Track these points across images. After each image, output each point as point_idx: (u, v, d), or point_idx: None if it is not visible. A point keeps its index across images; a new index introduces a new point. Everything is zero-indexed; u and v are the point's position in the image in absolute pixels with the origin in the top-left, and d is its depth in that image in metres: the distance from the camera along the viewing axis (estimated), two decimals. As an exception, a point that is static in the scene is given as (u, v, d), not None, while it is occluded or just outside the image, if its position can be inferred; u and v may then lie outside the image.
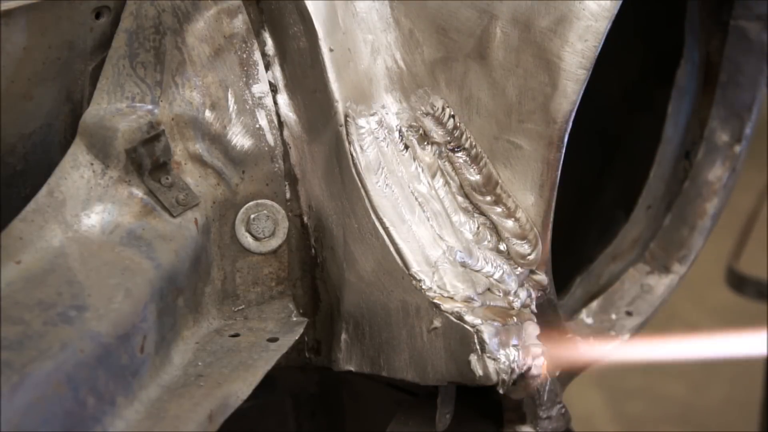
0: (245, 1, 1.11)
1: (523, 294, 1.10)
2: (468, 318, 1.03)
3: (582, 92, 1.06)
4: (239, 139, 1.11)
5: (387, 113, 1.11)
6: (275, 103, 1.12)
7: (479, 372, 1.02)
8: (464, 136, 1.11)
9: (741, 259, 2.39)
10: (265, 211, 1.12)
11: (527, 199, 1.10)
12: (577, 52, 1.05)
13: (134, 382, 0.95)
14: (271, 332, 1.10)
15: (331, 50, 1.09)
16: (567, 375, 1.26)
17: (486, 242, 1.11)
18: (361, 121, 1.09)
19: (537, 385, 1.13)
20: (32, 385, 0.85)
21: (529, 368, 1.05)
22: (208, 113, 1.10)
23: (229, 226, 1.11)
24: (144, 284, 0.98)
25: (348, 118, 1.08)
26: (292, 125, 1.12)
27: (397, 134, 1.11)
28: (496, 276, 1.09)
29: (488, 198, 1.11)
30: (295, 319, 1.14)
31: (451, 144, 1.11)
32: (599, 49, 1.05)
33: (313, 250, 1.14)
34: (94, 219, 1.02)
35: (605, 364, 1.35)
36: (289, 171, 1.13)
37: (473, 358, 1.02)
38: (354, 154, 1.08)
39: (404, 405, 1.21)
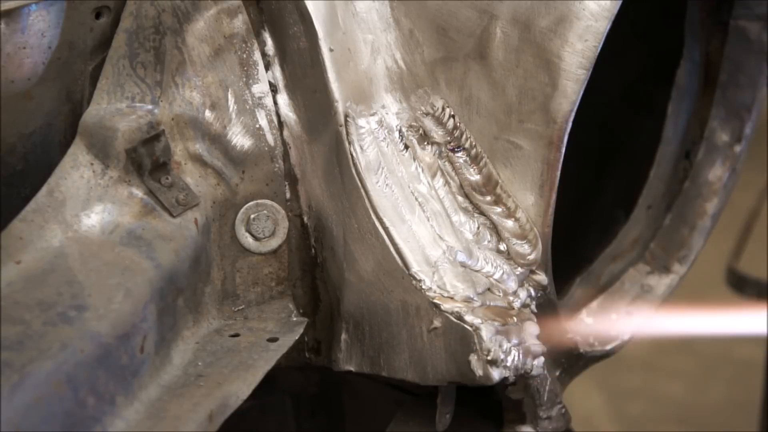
0: (245, 1, 1.11)
1: (523, 294, 1.10)
2: (468, 318, 1.03)
3: (582, 92, 1.06)
4: (239, 139, 1.11)
5: (387, 113, 1.11)
6: (275, 103, 1.12)
7: (479, 372, 1.02)
8: (464, 136, 1.11)
9: (741, 259, 2.39)
10: (265, 211, 1.12)
11: (527, 199, 1.10)
12: (577, 52, 1.05)
13: (134, 382, 0.95)
14: (271, 332, 1.10)
15: (331, 50, 1.09)
16: (567, 375, 1.26)
17: (486, 242, 1.11)
18: (361, 121, 1.09)
19: (537, 384, 1.13)
20: (32, 385, 0.85)
21: (530, 368, 1.05)
22: (208, 113, 1.10)
23: (229, 226, 1.11)
24: (144, 284, 0.98)
25: (348, 118, 1.08)
26: (292, 125, 1.12)
27: (397, 134, 1.11)
28: (496, 276, 1.09)
29: (488, 198, 1.11)
30: (295, 319, 1.14)
31: (451, 144, 1.11)
32: (599, 49, 1.05)
33: (313, 250, 1.14)
34: (94, 219, 1.02)
35: (605, 364, 1.35)
36: (289, 171, 1.13)
37: (473, 358, 1.02)
38: (354, 154, 1.08)
39: (404, 405, 1.21)
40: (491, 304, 1.07)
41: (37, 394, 0.86)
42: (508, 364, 1.03)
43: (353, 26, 1.11)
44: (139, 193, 1.04)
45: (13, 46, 1.01)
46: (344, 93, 1.09)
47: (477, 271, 1.08)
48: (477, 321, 1.03)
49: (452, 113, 1.11)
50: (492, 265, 1.09)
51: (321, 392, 1.49)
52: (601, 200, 1.51)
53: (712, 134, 1.40)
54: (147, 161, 1.04)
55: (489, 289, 1.08)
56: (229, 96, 1.11)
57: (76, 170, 1.03)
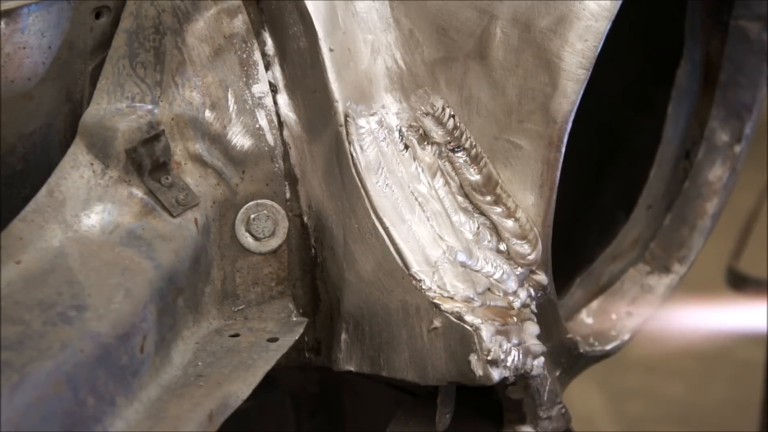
0: (245, 1, 1.11)
1: (523, 294, 1.10)
2: (468, 318, 1.03)
3: (582, 92, 1.06)
4: (239, 139, 1.11)
5: (387, 113, 1.11)
6: (275, 103, 1.12)
7: (479, 372, 1.02)
8: (464, 136, 1.11)
9: (741, 259, 2.39)
10: (265, 211, 1.12)
11: (527, 199, 1.10)
12: (577, 52, 1.05)
13: (134, 382, 0.95)
14: (271, 332, 1.10)
15: (331, 50, 1.09)
16: (567, 375, 1.26)
17: (486, 242, 1.11)
18: (361, 121, 1.09)
19: (537, 384, 1.13)
20: (32, 385, 0.85)
21: (530, 368, 1.05)
22: (208, 113, 1.10)
23: (229, 226, 1.11)
24: (144, 284, 0.98)
25: (348, 118, 1.08)
26: (292, 125, 1.12)
27: (397, 134, 1.11)
28: (496, 276, 1.09)
29: (488, 198, 1.11)
30: (295, 319, 1.14)
31: (451, 144, 1.11)
32: (599, 49, 1.05)
33: (313, 250, 1.14)
34: (94, 219, 1.02)
35: (605, 364, 1.35)
36: (289, 171, 1.13)
37: (473, 358, 1.02)
38: (354, 154, 1.08)
39: (404, 405, 1.21)
40: (491, 304, 1.07)
41: (37, 394, 0.86)
42: (508, 364, 1.03)
43: (353, 26, 1.11)
44: (139, 193, 1.04)
45: (13, 46, 1.01)
46: (344, 93, 1.09)
47: (477, 271, 1.08)
48: (477, 321, 1.03)
49: (452, 113, 1.11)
50: (492, 265, 1.09)
51: (321, 392, 1.49)
52: (601, 200, 1.51)
53: (712, 134, 1.40)
54: (147, 161, 1.04)
55: (489, 289, 1.08)
56: (229, 96, 1.11)
57: (76, 170, 1.03)
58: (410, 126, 1.11)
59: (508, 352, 1.03)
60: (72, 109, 1.09)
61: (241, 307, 1.13)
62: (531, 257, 1.11)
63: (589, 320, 1.37)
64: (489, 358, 1.02)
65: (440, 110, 1.11)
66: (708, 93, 1.39)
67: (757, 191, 2.54)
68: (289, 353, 1.08)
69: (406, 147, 1.11)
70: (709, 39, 1.38)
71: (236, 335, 1.09)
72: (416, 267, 1.06)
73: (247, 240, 1.12)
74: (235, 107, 1.11)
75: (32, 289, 0.94)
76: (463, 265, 1.08)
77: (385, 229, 1.07)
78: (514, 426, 1.17)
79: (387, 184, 1.08)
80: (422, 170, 1.11)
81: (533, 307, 1.11)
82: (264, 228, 1.12)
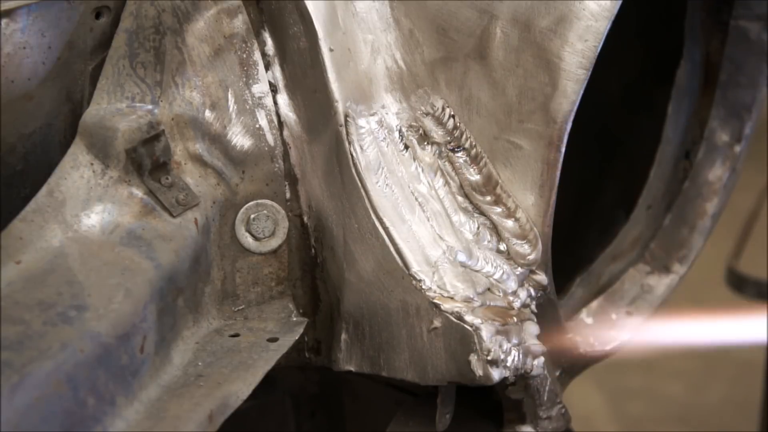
0: (245, 1, 1.11)
1: (523, 294, 1.10)
2: (468, 318, 1.03)
3: (582, 92, 1.06)
4: (239, 139, 1.11)
5: (387, 113, 1.11)
6: (275, 103, 1.12)
7: (479, 372, 1.02)
8: (464, 136, 1.11)
9: (741, 259, 2.39)
10: (265, 211, 1.12)
11: (527, 199, 1.10)
12: (577, 52, 1.05)
13: (134, 382, 0.95)
14: (271, 332, 1.10)
15: (331, 50, 1.09)
16: (567, 375, 1.26)
17: (486, 242, 1.11)
18: (361, 121, 1.09)
19: (537, 384, 1.13)
20: (32, 385, 0.85)
21: (530, 368, 1.05)
22: (208, 113, 1.10)
23: (229, 226, 1.11)
24: (144, 284, 0.98)
25: (348, 118, 1.08)
26: (292, 125, 1.12)
27: (397, 134, 1.11)
28: (496, 276, 1.09)
29: (488, 198, 1.11)
30: (295, 319, 1.14)
31: (451, 144, 1.11)
32: (599, 49, 1.05)
33: (313, 250, 1.14)
34: (94, 219, 1.02)
35: (605, 364, 1.35)
36: (289, 171, 1.13)
37: (473, 358, 1.02)
38: (354, 154, 1.08)
39: (404, 405, 1.21)
40: (491, 304, 1.07)
41: (37, 394, 0.86)
42: (508, 364, 1.03)
43: (353, 26, 1.11)
44: (139, 193, 1.04)
45: (13, 46, 1.01)
46: (344, 93, 1.09)
47: (477, 271, 1.08)
48: (477, 321, 1.03)
49: (452, 113, 1.11)
50: (492, 265, 1.09)
51: (321, 392, 1.49)
52: (601, 200, 1.51)
53: (712, 134, 1.40)
54: (147, 161, 1.04)
55: (489, 289, 1.08)
56: (229, 96, 1.11)
57: (76, 170, 1.03)
58: (410, 126, 1.11)
59: (508, 352, 1.03)
60: (72, 109, 1.09)
61: (241, 307, 1.13)
62: (531, 257, 1.11)
63: (589, 320, 1.37)
64: (489, 358, 1.02)
65: (440, 110, 1.11)
66: (708, 93, 1.39)
67: (757, 191, 2.54)
68: (289, 353, 1.08)
69: (406, 147, 1.11)
70: (709, 39, 1.38)
71: (236, 335, 1.09)
72: (416, 267, 1.06)
73: (247, 240, 1.12)
74: (235, 107, 1.11)
75: (32, 289, 0.94)
76: (463, 265, 1.08)
77: (385, 229, 1.07)
78: (514, 426, 1.17)
79: (387, 184, 1.08)
80: (422, 170, 1.11)
81: (533, 307, 1.11)
82: (264, 228, 1.12)
